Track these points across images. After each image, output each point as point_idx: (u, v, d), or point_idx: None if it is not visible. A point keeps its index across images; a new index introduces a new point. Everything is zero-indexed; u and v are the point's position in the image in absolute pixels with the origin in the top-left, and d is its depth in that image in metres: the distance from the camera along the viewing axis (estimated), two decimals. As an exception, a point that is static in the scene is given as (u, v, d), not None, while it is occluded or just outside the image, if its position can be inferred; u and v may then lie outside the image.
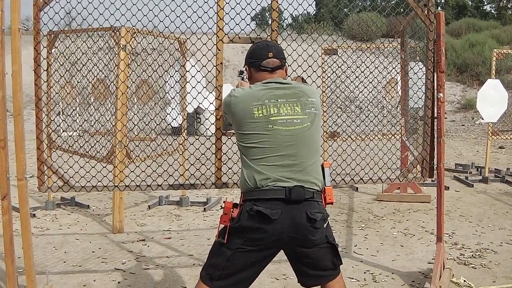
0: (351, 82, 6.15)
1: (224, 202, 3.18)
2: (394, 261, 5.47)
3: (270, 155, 3.03)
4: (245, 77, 3.71)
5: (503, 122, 14.23)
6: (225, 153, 4.30)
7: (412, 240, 6.14)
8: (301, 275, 3.22)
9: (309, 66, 4.61)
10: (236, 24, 4.54)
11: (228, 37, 4.50)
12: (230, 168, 4.42)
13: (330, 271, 3.17)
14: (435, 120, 4.72)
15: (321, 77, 8.59)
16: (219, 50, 4.44)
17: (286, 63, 3.41)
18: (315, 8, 45.05)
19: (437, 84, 4.66)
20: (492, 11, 70.69)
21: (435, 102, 4.69)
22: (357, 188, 8.84)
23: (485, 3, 70.39)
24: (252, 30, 4.64)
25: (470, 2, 64.38)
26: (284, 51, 3.45)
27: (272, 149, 3.03)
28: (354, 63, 5.96)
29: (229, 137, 3.96)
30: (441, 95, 4.61)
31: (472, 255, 5.63)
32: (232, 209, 3.10)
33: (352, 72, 5.84)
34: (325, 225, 3.08)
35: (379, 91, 7.86)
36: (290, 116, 3.07)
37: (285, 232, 2.97)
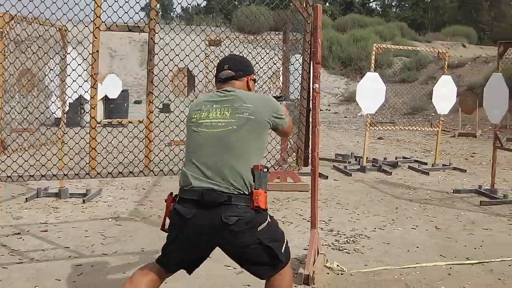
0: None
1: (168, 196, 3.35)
2: (272, 248, 5.59)
3: (194, 156, 3.19)
4: (284, 100, 3.90)
5: (382, 114, 14.85)
6: (99, 143, 4.25)
7: (290, 228, 6.29)
8: (243, 267, 3.38)
9: (188, 54, 4.63)
10: (114, 12, 4.48)
11: (105, 24, 4.43)
12: (105, 158, 4.37)
13: (269, 267, 3.25)
14: (311, 110, 4.87)
15: (203, 70, 8.66)
16: (96, 38, 4.37)
17: (251, 74, 3.54)
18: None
19: (312, 75, 4.80)
20: (378, 8, 73.30)
21: (311, 93, 4.83)
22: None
23: (371, 1, 72.89)
24: (130, 18, 4.59)
25: (356, -1, 66.40)
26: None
27: (195, 150, 3.20)
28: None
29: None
30: (316, 86, 4.75)
31: (347, 241, 5.85)
32: (172, 203, 3.26)
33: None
34: (259, 228, 3.14)
35: (265, 81, 7.96)
36: (215, 120, 3.20)
37: (205, 232, 3.09)
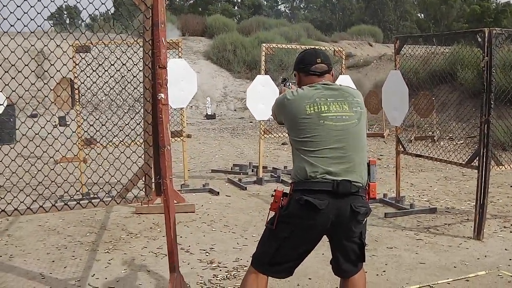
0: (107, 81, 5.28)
1: (275, 191, 3.39)
2: (134, 293, 4.62)
3: (322, 148, 3.21)
4: (288, 83, 4.19)
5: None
6: None
7: (163, 262, 5.29)
8: (335, 263, 3.48)
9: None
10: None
11: None
12: None
13: (355, 264, 3.43)
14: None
15: (78, 77, 7.57)
16: None
17: (333, 68, 3.59)
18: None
19: (157, 82, 3.84)
20: (286, 11, 73.99)
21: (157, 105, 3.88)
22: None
23: (280, 3, 73.51)
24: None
25: (265, 2, 66.67)
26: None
27: (323, 142, 3.22)
28: (107, 59, 5.07)
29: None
30: (162, 96, 3.80)
31: (226, 276, 4.97)
32: (282, 198, 3.29)
33: (105, 70, 4.95)
34: (364, 221, 3.33)
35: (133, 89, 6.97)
36: (339, 113, 3.27)
37: (330, 222, 3.19)
